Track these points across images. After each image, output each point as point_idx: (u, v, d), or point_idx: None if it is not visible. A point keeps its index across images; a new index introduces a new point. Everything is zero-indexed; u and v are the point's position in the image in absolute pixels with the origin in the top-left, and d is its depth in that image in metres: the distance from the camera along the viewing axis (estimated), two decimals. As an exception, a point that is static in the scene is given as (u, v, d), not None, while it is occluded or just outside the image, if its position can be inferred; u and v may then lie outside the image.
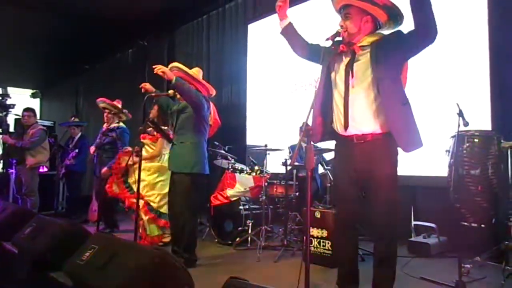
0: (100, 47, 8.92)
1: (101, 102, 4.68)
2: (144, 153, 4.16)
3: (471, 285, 2.58)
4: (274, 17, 6.43)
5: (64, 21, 7.60)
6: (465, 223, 2.51)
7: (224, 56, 7.07)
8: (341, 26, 2.16)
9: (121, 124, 4.69)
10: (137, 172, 2.85)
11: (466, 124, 2.43)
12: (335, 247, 2.60)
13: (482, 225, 2.52)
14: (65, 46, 8.86)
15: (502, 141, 2.62)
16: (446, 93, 3.99)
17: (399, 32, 2.11)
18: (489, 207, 2.52)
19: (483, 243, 2.72)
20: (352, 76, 2.09)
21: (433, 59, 4.13)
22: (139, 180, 2.94)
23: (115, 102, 4.69)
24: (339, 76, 2.16)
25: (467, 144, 2.58)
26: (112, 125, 4.65)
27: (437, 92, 4.10)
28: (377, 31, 2.18)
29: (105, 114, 4.68)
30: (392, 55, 2.04)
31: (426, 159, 4.04)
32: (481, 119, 3.59)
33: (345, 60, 2.17)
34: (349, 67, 2.11)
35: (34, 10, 7.16)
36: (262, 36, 6.66)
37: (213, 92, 3.57)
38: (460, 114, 2.49)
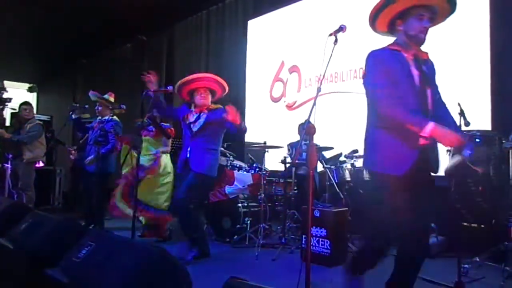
0: (98, 41, 8.85)
1: (93, 95, 4.63)
2: (144, 151, 4.14)
3: (470, 285, 2.58)
4: (274, 14, 6.44)
5: (62, 15, 7.52)
6: (465, 224, 2.50)
7: (224, 52, 7.03)
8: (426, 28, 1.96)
9: (114, 117, 4.62)
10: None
11: (467, 124, 2.41)
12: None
13: (482, 226, 2.51)
14: (63, 40, 8.78)
15: (503, 141, 2.61)
16: (447, 93, 3.96)
17: None
18: (490, 208, 2.51)
19: (483, 243, 2.72)
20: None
21: (434, 59, 4.10)
22: (137, 179, 2.92)
23: (106, 95, 4.63)
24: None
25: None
26: (104, 118, 4.59)
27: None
28: None
29: (100, 108, 4.60)
30: None
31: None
32: (481, 119, 3.59)
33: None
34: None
35: (32, 4, 7.08)
36: (262, 33, 6.62)
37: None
38: (462, 114, 2.48)
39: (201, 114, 3.50)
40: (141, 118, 4.18)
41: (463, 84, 3.91)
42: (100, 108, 4.58)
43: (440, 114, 2.00)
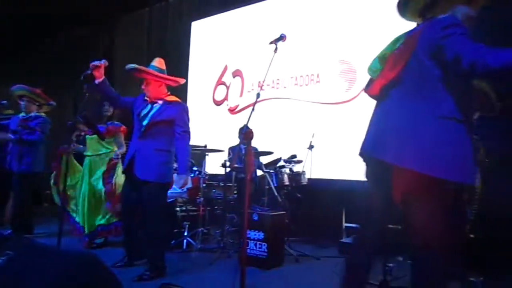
0: (29, 34, 8.19)
1: (20, 89, 4.24)
2: (92, 151, 3.92)
3: (394, 283, 2.77)
4: (220, 17, 6.45)
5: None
6: (390, 225, 2.69)
7: (166, 52, 6.87)
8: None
9: (42, 114, 4.30)
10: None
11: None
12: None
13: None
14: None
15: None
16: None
17: None
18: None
19: (405, 244, 2.94)
20: None
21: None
22: (65, 178, 2.74)
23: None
24: None
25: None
26: (30, 115, 4.23)
27: (371, 103, 4.35)
28: None
29: (23, 103, 4.23)
30: None
31: (357, 164, 4.27)
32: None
33: None
34: None
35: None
36: (206, 35, 6.60)
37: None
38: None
39: (153, 105, 3.03)
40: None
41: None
42: (27, 103, 4.22)
43: None
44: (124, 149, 4.03)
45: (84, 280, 1.86)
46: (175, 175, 3.07)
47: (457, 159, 1.49)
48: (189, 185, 4.29)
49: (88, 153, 4.01)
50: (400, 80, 1.68)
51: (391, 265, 2.76)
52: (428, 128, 1.53)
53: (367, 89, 1.94)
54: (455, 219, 1.61)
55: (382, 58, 1.83)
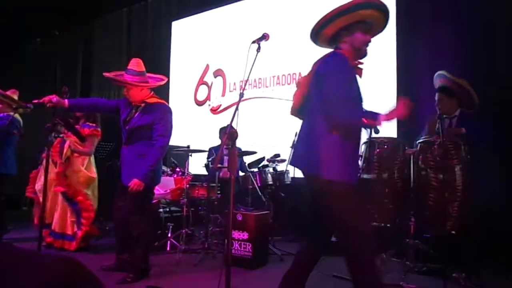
0: (6, 34, 7.93)
1: None
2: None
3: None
4: (200, 16, 6.40)
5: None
6: (374, 223, 2.72)
7: (146, 52, 6.78)
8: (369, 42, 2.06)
9: (16, 115, 4.15)
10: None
11: (377, 131, 2.62)
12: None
13: (388, 225, 2.75)
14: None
15: (406, 148, 2.90)
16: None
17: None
18: (394, 208, 2.76)
19: (388, 241, 2.98)
20: None
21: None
22: (45, 179, 2.66)
23: (9, 92, 4.16)
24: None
25: (378, 150, 2.79)
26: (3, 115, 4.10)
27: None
28: None
29: None
30: None
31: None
32: (388, 127, 3.95)
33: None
34: None
35: None
36: (187, 34, 6.54)
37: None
38: (372, 122, 2.69)
39: (137, 109, 2.96)
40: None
41: (371, 93, 4.26)
42: (1, 106, 4.09)
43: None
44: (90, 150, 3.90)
45: (65, 283, 1.81)
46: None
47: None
48: (172, 185, 4.26)
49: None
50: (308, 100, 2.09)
51: (374, 261, 2.81)
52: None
53: None
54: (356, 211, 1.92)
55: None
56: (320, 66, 2.01)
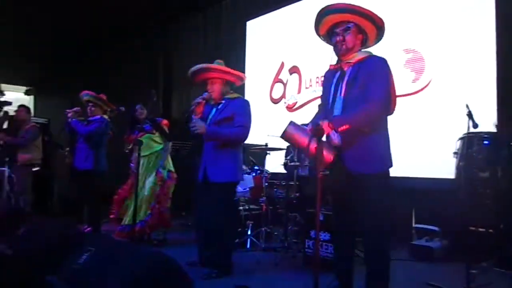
0: (97, 43, 8.76)
1: (85, 95, 4.49)
2: (145, 151, 4.05)
3: (478, 291, 2.53)
4: (273, 15, 6.39)
5: (61, 16, 7.44)
6: (473, 228, 2.45)
7: (222, 53, 6.96)
8: (339, 41, 2.19)
9: (105, 116, 4.49)
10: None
11: (475, 126, 2.36)
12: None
13: (490, 230, 2.46)
14: (61, 42, 8.71)
15: (511, 143, 2.57)
16: (452, 95, 3.95)
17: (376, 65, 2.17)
18: (498, 211, 2.46)
19: (490, 248, 2.67)
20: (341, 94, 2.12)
21: (441, 61, 4.09)
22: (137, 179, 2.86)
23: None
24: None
25: (477, 147, 2.51)
26: (94, 118, 4.45)
27: (443, 94, 4.05)
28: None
29: (88, 108, 4.47)
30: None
31: (428, 161, 3.99)
32: (487, 121, 3.54)
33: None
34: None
35: (29, 5, 7.00)
36: (261, 33, 6.58)
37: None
38: (470, 115, 2.43)
39: (218, 107, 3.08)
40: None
41: (468, 86, 3.87)
42: (93, 108, 4.45)
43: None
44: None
45: (160, 276, 1.91)
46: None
47: None
48: (251, 184, 4.31)
49: (146, 153, 4.10)
50: None
51: (474, 271, 2.52)
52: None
53: None
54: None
55: None
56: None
